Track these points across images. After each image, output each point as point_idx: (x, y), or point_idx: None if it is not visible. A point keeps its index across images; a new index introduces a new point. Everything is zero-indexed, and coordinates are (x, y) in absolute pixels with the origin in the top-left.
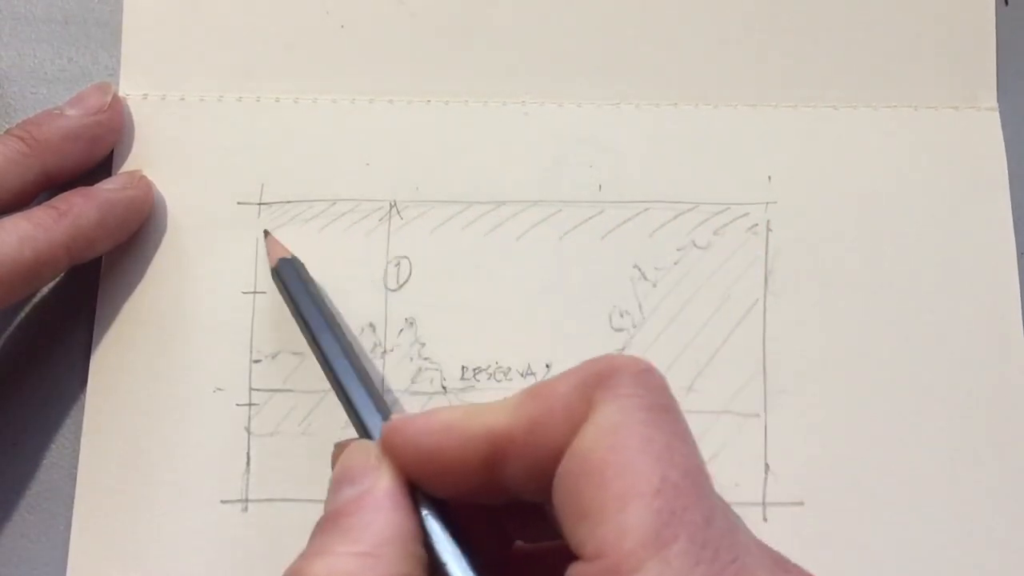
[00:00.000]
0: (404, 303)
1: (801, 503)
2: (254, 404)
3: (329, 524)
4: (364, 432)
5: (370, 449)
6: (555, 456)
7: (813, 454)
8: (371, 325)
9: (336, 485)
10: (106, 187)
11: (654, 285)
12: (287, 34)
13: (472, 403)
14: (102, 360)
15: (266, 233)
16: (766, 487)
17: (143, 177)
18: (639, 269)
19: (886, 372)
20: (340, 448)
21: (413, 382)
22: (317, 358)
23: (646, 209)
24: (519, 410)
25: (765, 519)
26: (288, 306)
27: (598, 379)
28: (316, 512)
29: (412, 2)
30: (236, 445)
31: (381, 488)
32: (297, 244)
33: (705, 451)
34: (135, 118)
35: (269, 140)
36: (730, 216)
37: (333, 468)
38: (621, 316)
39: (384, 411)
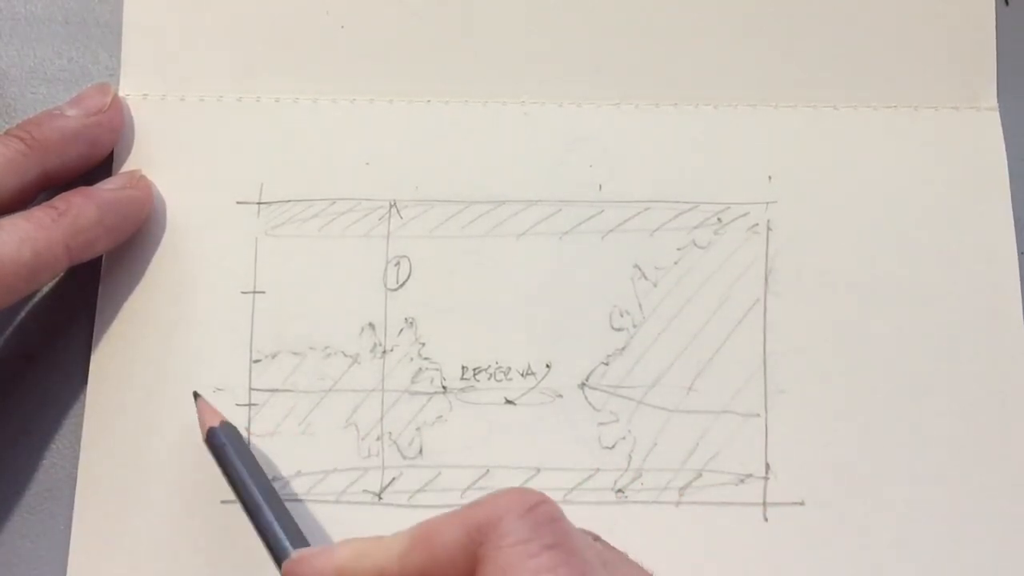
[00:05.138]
0: (404, 303)
1: (801, 503)
2: (254, 404)
3: None
4: (276, 562)
5: None
6: None
7: (813, 454)
8: (371, 325)
9: None
10: (106, 187)
11: (654, 285)
12: (287, 34)
13: (371, 537)
14: (102, 360)
15: (196, 396)
16: (766, 487)
17: (143, 177)
18: (639, 269)
19: (886, 372)
20: None
21: (413, 382)
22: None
23: (646, 209)
24: (407, 559)
25: (765, 519)
26: (221, 470)
27: (481, 531)
28: (316, 512)
29: (412, 2)
30: None
31: None
32: (296, 244)
33: (705, 451)
34: (135, 118)
35: (269, 140)
36: (730, 216)
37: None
38: (621, 316)
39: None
